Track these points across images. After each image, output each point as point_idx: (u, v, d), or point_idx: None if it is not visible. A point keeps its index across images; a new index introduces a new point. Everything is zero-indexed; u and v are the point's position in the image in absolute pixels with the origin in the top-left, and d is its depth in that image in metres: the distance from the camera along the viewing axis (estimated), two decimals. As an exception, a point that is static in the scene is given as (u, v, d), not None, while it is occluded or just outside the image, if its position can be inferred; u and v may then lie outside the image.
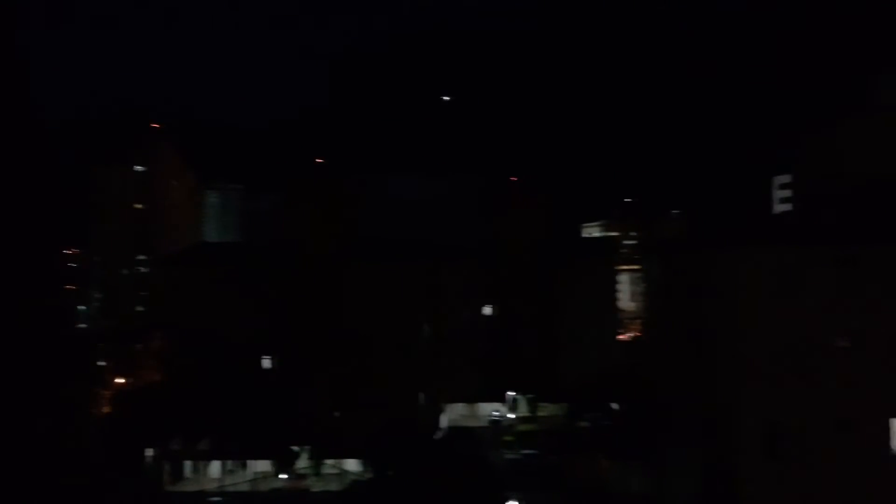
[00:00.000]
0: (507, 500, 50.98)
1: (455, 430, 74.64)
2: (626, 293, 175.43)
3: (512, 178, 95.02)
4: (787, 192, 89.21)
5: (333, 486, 61.09)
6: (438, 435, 69.24)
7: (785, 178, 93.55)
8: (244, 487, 61.73)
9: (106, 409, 65.20)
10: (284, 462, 62.24)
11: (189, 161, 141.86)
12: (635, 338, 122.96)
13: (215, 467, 64.18)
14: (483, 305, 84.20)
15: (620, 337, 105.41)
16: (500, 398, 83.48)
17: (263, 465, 63.57)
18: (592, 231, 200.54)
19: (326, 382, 64.33)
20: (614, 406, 76.87)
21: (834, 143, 40.60)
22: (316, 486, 61.99)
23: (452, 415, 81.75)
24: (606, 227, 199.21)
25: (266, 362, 65.37)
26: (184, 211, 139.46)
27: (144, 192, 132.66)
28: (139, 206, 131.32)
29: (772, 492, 31.90)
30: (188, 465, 65.13)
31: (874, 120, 40.64)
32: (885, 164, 37.55)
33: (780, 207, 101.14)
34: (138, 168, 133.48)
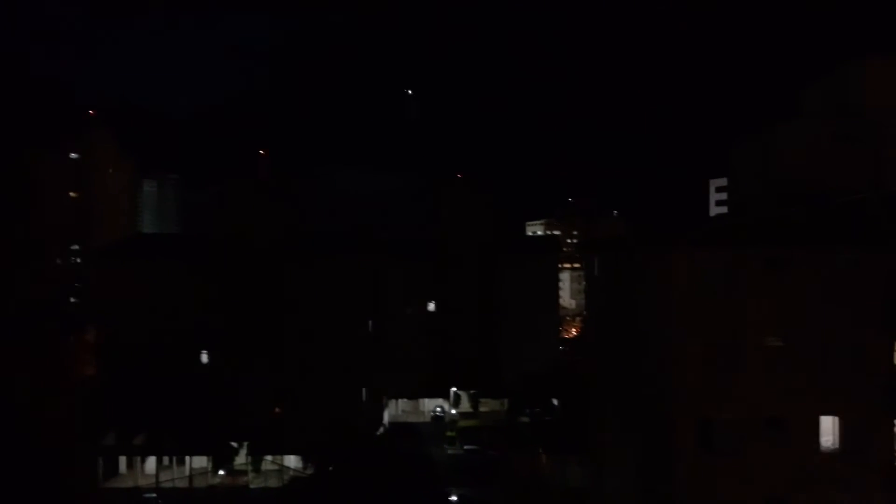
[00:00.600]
0: (448, 495, 51.54)
1: (397, 427, 75.02)
2: (568, 290, 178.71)
3: (457, 175, 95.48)
4: (722, 195, 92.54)
5: (273, 483, 60.71)
6: (380, 431, 69.40)
7: (721, 182, 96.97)
8: (181, 484, 60.80)
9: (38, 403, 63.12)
10: (223, 458, 61.53)
11: (126, 150, 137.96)
12: (576, 334, 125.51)
13: (151, 463, 63.01)
14: (426, 301, 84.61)
15: (562, 333, 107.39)
16: (443, 394, 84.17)
17: (201, 461, 62.70)
18: (536, 229, 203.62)
19: (266, 377, 63.75)
20: (555, 401, 78.42)
21: (766, 148, 42.27)
22: (255, 482, 61.47)
23: (395, 411, 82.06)
24: (549, 226, 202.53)
25: (205, 357, 64.41)
26: (120, 201, 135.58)
27: (79, 180, 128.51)
28: (73, 194, 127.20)
29: (706, 486, 33.01)
30: (123, 460, 63.81)
31: (803, 126, 42.55)
32: (813, 169, 39.36)
33: (716, 210, 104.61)
34: (72, 156, 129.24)
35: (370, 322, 67.14)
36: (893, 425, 34.12)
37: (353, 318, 64.58)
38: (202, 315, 63.71)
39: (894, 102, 40.11)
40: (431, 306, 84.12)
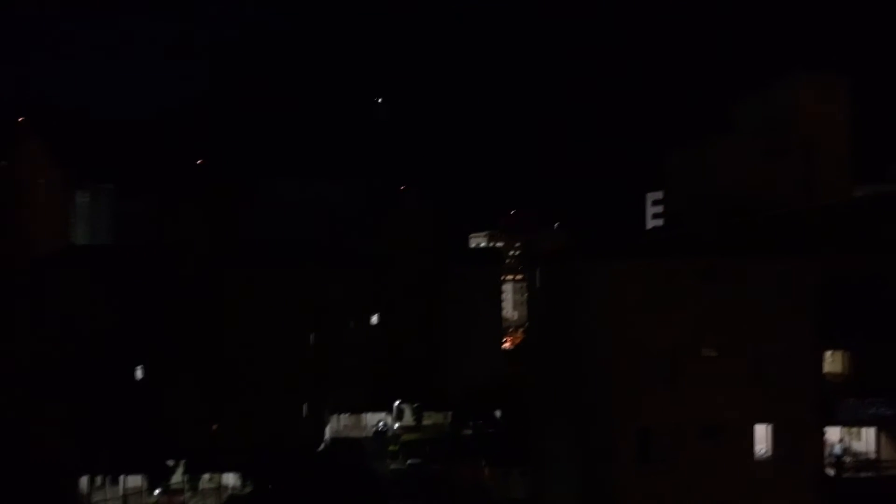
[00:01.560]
0: (390, 510, 50.99)
1: (339, 442, 73.94)
2: (511, 302, 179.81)
3: (401, 186, 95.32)
4: (659, 209, 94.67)
5: (211, 502, 59.16)
6: (321, 447, 68.34)
7: (657, 195, 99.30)
8: (114, 505, 58.65)
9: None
10: (158, 477, 59.62)
11: (57, 157, 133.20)
12: (518, 346, 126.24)
13: (83, 482, 60.61)
14: (370, 313, 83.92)
15: (505, 345, 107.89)
16: (386, 408, 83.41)
17: (136, 481, 60.62)
18: (479, 241, 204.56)
19: (204, 393, 62.12)
20: (498, 413, 78.55)
21: (699, 162, 43.34)
22: (192, 502, 59.74)
23: (337, 426, 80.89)
24: (493, 237, 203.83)
25: (140, 372, 62.43)
26: (50, 213, 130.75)
27: (5, 188, 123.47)
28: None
29: (646, 494, 33.36)
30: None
31: (735, 141, 43.81)
32: (745, 182, 40.50)
33: (652, 222, 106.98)
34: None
35: (312, 335, 66.16)
36: (823, 433, 35.17)
37: (294, 332, 63.53)
38: (138, 328, 61.77)
39: (820, 118, 41.68)
40: (374, 319, 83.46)
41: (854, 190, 43.30)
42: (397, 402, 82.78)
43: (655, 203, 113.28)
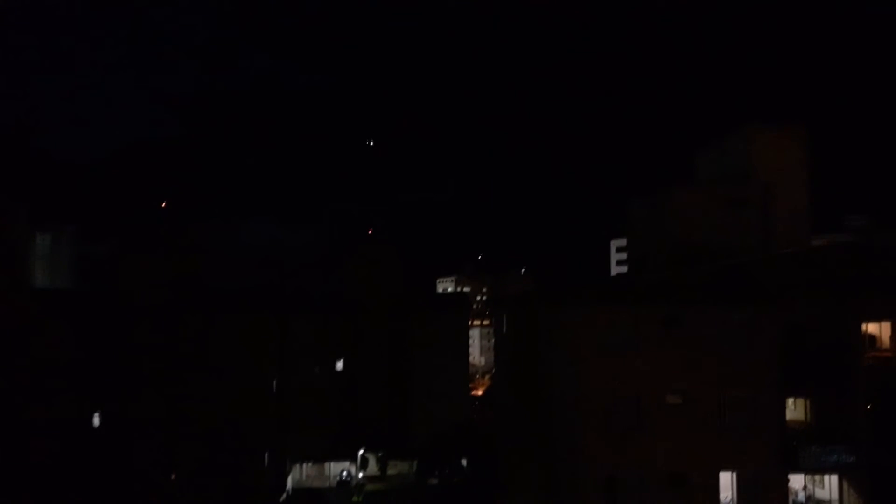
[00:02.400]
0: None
1: (301, 493, 72.19)
2: (478, 347, 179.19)
3: (368, 230, 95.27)
4: (623, 255, 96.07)
5: (165, 557, 56.93)
6: (283, 498, 66.59)
7: (621, 242, 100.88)
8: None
9: None
10: (110, 531, 57.42)
11: (16, 198, 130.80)
12: (486, 392, 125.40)
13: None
14: (334, 359, 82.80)
15: (472, 391, 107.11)
16: (350, 457, 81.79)
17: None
18: (446, 285, 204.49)
19: (161, 442, 60.35)
20: (464, 462, 77.53)
21: (661, 210, 44.14)
22: (145, 557, 57.46)
23: (299, 475, 78.99)
24: (460, 282, 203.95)
25: (96, 420, 60.52)
26: (6, 256, 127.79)
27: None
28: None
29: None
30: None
31: (696, 191, 44.80)
32: (705, 231, 41.33)
33: (616, 269, 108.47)
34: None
35: (274, 382, 64.96)
36: (787, 480, 35.32)
37: (257, 378, 62.31)
38: (96, 375, 60.07)
39: (777, 169, 42.88)
40: (339, 365, 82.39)
41: (811, 239, 44.38)
42: (362, 451, 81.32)
43: (619, 250, 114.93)
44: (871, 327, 37.97)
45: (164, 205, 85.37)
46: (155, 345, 61.48)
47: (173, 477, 60.08)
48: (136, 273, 63.79)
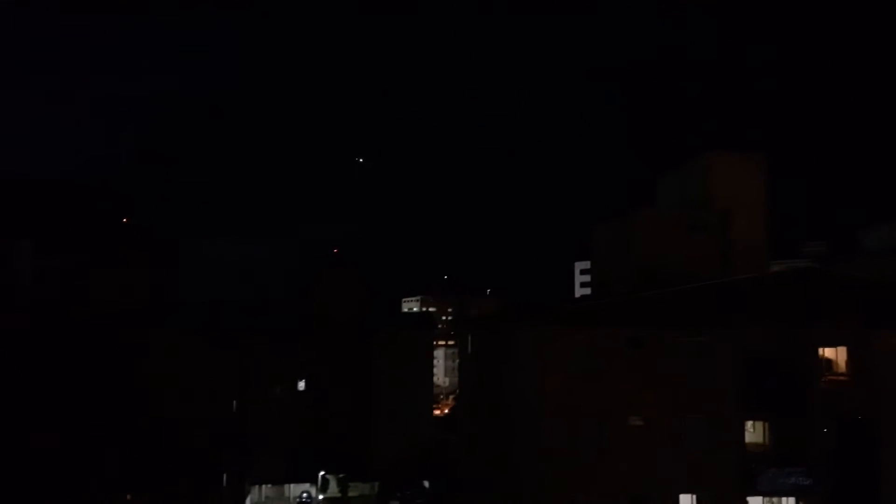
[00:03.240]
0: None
1: (259, 515, 70.78)
2: (442, 368, 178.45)
3: (333, 250, 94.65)
4: (587, 278, 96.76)
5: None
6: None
7: (585, 264, 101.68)
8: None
9: None
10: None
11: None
12: (450, 413, 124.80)
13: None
14: (296, 379, 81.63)
15: (436, 412, 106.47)
16: (311, 478, 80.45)
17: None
18: (412, 305, 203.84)
19: (119, 462, 58.87)
20: (426, 484, 76.79)
21: (624, 234, 44.67)
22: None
23: (258, 497, 77.43)
24: (425, 302, 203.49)
25: (52, 439, 58.83)
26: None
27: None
28: None
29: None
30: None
31: (657, 215, 45.43)
32: (667, 255, 41.84)
33: (580, 291, 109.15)
34: None
35: (234, 402, 63.90)
36: (746, 503, 35.66)
37: (216, 398, 61.25)
38: (51, 392, 58.46)
39: (736, 196, 43.71)
40: (301, 384, 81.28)
41: (770, 265, 45.23)
42: (322, 473, 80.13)
43: (583, 272, 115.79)
44: (827, 352, 38.71)
45: (126, 220, 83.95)
46: (112, 363, 60.07)
47: (129, 498, 58.62)
48: (96, 287, 62.46)
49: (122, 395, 59.72)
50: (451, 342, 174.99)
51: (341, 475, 79.73)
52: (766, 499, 37.50)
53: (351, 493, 79.67)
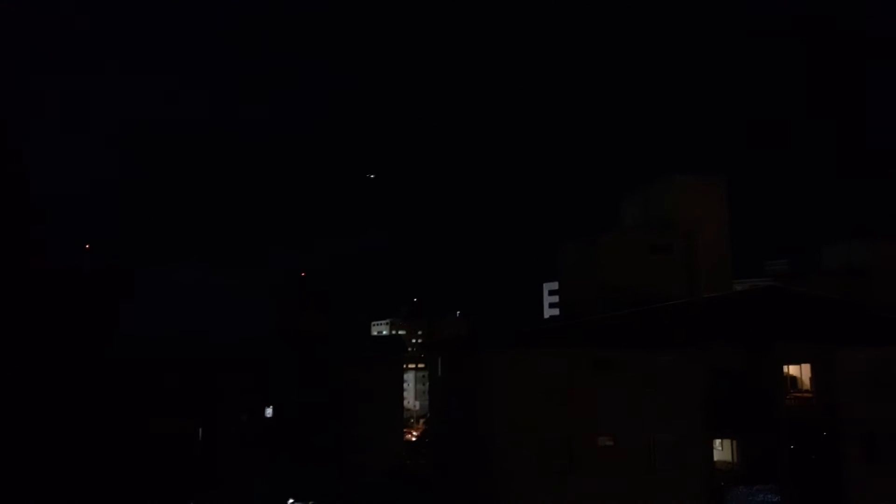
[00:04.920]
0: None
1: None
2: (413, 391, 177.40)
3: (301, 274, 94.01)
4: (555, 298, 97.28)
5: None
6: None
7: (553, 285, 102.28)
8: None
9: None
10: None
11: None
12: (420, 437, 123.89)
13: None
14: (263, 407, 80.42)
15: (407, 437, 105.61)
16: (279, 506, 79.05)
17: None
18: (381, 328, 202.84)
19: (75, 495, 57.23)
20: (397, 509, 75.91)
21: (590, 255, 44.99)
22: None
23: (225, 527, 75.86)
24: (395, 325, 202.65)
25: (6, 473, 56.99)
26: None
27: None
28: None
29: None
30: None
31: (622, 236, 45.87)
32: (633, 276, 42.24)
33: (549, 311, 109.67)
34: None
35: (199, 431, 62.69)
36: (713, 521, 35.78)
37: (180, 428, 60.04)
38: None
39: (699, 216, 44.36)
40: (269, 411, 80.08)
41: (733, 284, 45.82)
42: (291, 501, 78.82)
43: (552, 293, 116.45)
44: (792, 369, 39.34)
45: (87, 247, 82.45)
46: (67, 394, 58.57)
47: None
48: (46, 317, 61.03)
49: (77, 430, 58.25)
50: (420, 365, 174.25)
51: (311, 502, 78.52)
52: (736, 517, 37.73)
53: (320, 521, 78.43)
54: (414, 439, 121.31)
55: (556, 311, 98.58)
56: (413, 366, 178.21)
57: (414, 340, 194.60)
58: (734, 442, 39.27)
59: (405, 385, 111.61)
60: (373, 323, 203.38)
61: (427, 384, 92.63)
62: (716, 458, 37.68)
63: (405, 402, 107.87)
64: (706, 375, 35.67)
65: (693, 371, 35.52)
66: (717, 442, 38.50)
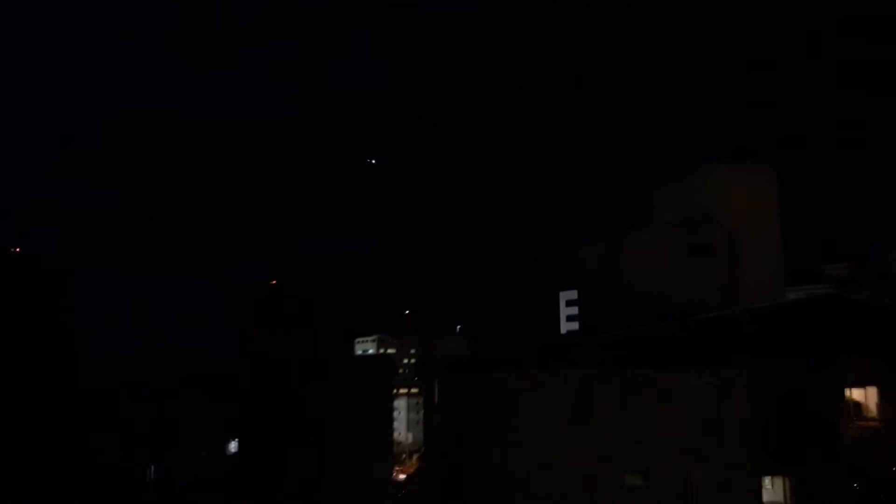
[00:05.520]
0: None
1: None
2: (405, 421, 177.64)
3: (271, 281, 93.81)
4: (573, 310, 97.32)
5: None
6: None
7: (571, 294, 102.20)
8: None
9: None
10: None
11: None
12: (414, 475, 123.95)
13: None
14: (231, 436, 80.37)
15: (396, 474, 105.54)
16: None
17: None
18: (367, 347, 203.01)
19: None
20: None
21: (615, 258, 45.09)
22: None
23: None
24: (383, 343, 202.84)
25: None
26: None
27: None
28: None
29: None
30: None
31: (654, 235, 45.93)
32: (667, 282, 42.32)
33: (567, 325, 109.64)
34: None
35: (151, 470, 62.67)
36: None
37: (127, 464, 59.99)
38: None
39: (745, 212, 44.41)
40: (234, 446, 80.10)
41: (786, 292, 45.92)
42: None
43: (570, 303, 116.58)
44: (855, 393, 39.28)
45: (17, 250, 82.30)
46: (10, 419, 58.61)
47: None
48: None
49: (13, 463, 58.24)
50: (414, 390, 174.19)
51: (283, 554, 78.55)
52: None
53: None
54: (406, 477, 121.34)
55: (575, 325, 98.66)
56: (405, 391, 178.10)
57: (406, 361, 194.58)
58: (787, 479, 39.26)
59: (396, 414, 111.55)
60: (357, 340, 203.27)
61: (421, 412, 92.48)
62: (765, 500, 37.68)
63: (395, 434, 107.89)
64: (754, 400, 35.71)
65: (738, 395, 35.55)
66: (767, 480, 38.48)
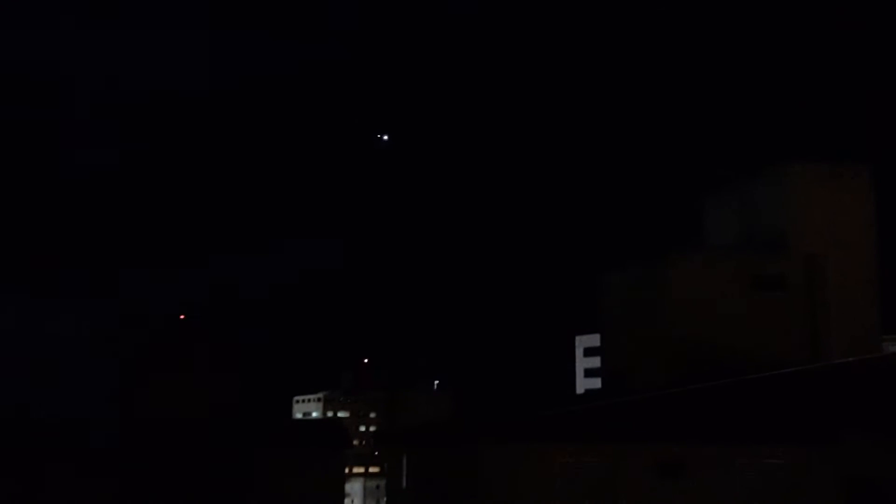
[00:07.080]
0: None
1: None
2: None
3: (179, 316, 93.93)
4: (594, 361, 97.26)
5: None
6: None
7: (592, 340, 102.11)
8: None
9: None
10: None
11: None
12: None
13: None
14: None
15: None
16: None
17: None
18: (310, 408, 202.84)
19: None
20: None
21: (652, 291, 45.36)
22: None
23: None
24: (331, 403, 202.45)
25: None
26: None
27: None
28: None
29: None
30: None
31: (703, 264, 46.01)
32: (720, 325, 42.63)
33: (585, 381, 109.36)
34: None
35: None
36: None
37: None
38: None
39: (829, 232, 44.79)
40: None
41: (883, 341, 46.39)
42: None
43: (589, 352, 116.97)
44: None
45: None
46: None
47: None
48: None
49: None
50: (374, 469, 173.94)
51: None
52: None
53: None
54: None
55: (596, 382, 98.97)
56: (361, 470, 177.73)
57: (363, 428, 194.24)
58: None
59: (347, 502, 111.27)
60: (296, 399, 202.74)
61: (384, 501, 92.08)
62: None
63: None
64: (839, 486, 36.12)
65: (819, 479, 35.96)
66: None
